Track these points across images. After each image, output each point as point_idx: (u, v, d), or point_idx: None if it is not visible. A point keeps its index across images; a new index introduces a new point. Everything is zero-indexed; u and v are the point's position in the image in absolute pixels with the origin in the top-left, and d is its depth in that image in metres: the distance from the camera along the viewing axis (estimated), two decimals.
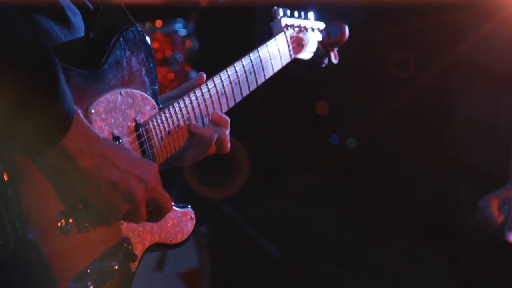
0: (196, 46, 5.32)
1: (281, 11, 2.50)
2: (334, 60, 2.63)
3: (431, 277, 4.99)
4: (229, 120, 2.24)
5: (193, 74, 5.34)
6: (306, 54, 2.60)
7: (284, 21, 2.50)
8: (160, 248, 2.09)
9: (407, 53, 5.32)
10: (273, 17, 2.49)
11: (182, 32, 5.31)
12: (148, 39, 2.03)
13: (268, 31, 2.49)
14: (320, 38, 2.62)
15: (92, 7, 2.00)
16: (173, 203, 2.07)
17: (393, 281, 5.03)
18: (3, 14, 1.55)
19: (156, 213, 1.88)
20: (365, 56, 5.67)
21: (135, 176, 1.78)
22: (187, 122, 2.15)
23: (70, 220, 1.76)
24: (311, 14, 2.63)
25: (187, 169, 4.86)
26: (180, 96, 2.18)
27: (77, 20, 1.95)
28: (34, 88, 1.57)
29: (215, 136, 2.17)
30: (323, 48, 2.62)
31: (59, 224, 1.74)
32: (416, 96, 5.25)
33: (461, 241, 4.96)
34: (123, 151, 1.80)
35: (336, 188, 6.22)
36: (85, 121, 1.72)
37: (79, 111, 1.71)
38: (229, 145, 2.22)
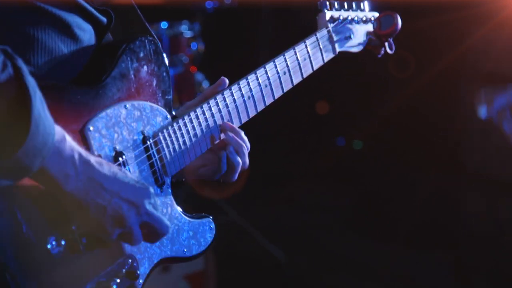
0: (202, 47, 5.37)
1: (328, 3, 2.37)
2: (390, 51, 2.48)
3: (435, 283, 4.97)
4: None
5: (198, 76, 5.40)
6: (355, 47, 2.45)
7: (330, 14, 2.36)
8: (173, 261, 2.01)
9: (407, 53, 5.37)
10: (319, 10, 2.37)
11: (188, 34, 5.38)
12: (160, 48, 1.97)
13: (313, 25, 2.38)
14: (371, 29, 2.46)
15: (105, 20, 1.95)
16: (190, 214, 2.05)
17: (396, 286, 5.03)
18: None
19: (151, 236, 1.83)
20: (365, 56, 5.71)
21: (126, 200, 1.73)
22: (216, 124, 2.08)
23: (63, 242, 1.72)
24: (365, 4, 2.48)
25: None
26: (200, 104, 2.09)
27: (87, 36, 1.90)
28: (2, 123, 1.53)
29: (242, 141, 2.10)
30: (377, 39, 2.47)
31: (49, 246, 1.70)
32: (416, 96, 5.26)
33: (466, 246, 5.01)
34: (115, 174, 1.74)
35: (339, 194, 6.17)
36: (71, 143, 1.66)
37: (65, 134, 1.65)
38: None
